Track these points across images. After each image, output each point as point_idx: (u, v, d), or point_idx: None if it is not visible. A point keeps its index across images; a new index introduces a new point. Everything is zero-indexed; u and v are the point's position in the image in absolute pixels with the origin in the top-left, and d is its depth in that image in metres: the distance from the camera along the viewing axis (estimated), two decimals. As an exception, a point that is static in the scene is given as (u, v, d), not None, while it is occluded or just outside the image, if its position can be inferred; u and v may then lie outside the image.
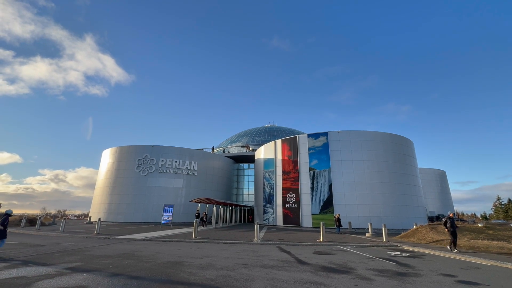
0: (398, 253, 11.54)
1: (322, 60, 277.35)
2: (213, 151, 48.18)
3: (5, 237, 9.45)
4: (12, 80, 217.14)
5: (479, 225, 18.10)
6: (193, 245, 12.57)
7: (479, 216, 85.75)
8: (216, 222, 28.61)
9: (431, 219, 34.63)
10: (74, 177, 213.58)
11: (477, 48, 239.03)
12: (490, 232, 16.18)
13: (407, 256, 10.61)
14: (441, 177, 57.10)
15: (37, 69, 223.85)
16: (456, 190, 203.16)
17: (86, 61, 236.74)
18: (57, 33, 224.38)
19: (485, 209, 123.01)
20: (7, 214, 9.71)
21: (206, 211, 26.96)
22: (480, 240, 13.86)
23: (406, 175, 28.47)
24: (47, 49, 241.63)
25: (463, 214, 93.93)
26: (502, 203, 67.37)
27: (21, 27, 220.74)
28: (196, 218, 25.65)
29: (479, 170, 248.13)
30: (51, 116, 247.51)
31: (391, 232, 21.74)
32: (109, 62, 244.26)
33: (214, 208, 27.88)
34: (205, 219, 25.33)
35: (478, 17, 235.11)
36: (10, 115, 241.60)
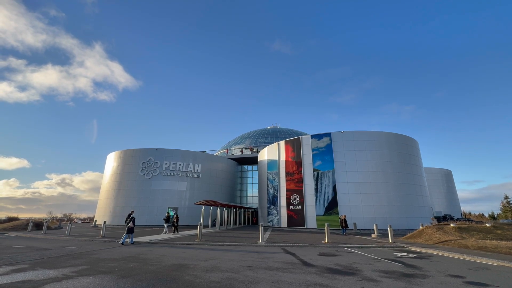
0: (405, 254, 11.40)
1: (324, 62, 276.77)
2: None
3: (133, 232, 14.23)
4: (23, 88, 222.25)
5: (487, 225, 17.81)
6: (197, 248, 12.58)
7: (486, 215, 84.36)
8: (221, 225, 28.58)
9: (437, 219, 34.18)
10: (80, 181, 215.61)
11: (484, 44, 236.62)
12: (499, 232, 15.93)
13: (414, 257, 10.48)
14: (447, 176, 56.38)
15: (47, 77, 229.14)
16: (463, 190, 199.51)
17: (95, 68, 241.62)
18: (67, 41, 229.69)
19: (492, 209, 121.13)
20: (133, 217, 14.51)
21: (177, 214, 23.17)
22: (488, 240, 13.64)
23: (412, 175, 28.18)
24: (58, 57, 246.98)
25: (470, 214, 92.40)
26: (510, 202, 66.18)
27: (33, 36, 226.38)
28: (166, 222, 21.53)
29: (485, 169, 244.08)
30: (60, 122, 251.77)
31: (397, 233, 21.51)
32: (117, 68, 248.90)
33: (218, 210, 27.86)
34: (175, 224, 21.79)
35: (483, 14, 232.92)
36: (20, 121, 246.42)
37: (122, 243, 13.82)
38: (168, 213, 22.50)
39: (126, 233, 14.00)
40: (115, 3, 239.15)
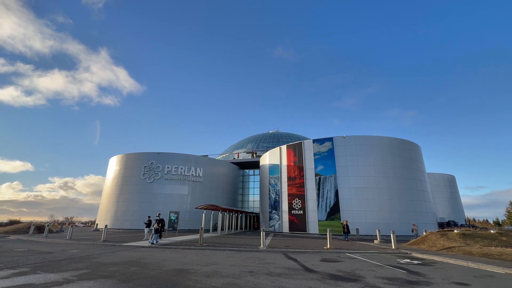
0: (408, 260, 11.25)
1: (326, 67, 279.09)
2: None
3: (158, 233, 15.94)
4: (30, 92, 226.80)
5: (492, 231, 17.57)
6: (198, 252, 12.51)
7: (491, 222, 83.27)
8: (222, 229, 28.43)
9: (441, 225, 33.77)
10: (82, 184, 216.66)
11: (487, 48, 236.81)
12: (504, 238, 15.70)
13: (417, 264, 10.34)
14: (451, 182, 55.86)
15: (54, 81, 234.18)
16: (466, 196, 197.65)
17: (100, 73, 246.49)
18: (74, 47, 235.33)
19: (497, 215, 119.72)
20: (157, 219, 16.24)
21: (162, 218, 18.71)
22: (493, 247, 13.44)
23: (414, 180, 27.97)
24: (64, 62, 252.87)
25: (474, 220, 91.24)
26: (515, 208, 65.15)
27: (41, 42, 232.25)
28: (147, 227, 18.61)
29: (489, 174, 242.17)
30: (65, 126, 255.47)
31: (400, 239, 21.26)
32: (122, 73, 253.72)
33: (220, 214, 27.74)
34: (161, 229, 18.06)
35: (485, 17, 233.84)
36: (25, 125, 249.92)
37: (152, 243, 15.44)
38: (149, 216, 19.82)
39: (154, 233, 15.82)
40: (121, 11, 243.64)
